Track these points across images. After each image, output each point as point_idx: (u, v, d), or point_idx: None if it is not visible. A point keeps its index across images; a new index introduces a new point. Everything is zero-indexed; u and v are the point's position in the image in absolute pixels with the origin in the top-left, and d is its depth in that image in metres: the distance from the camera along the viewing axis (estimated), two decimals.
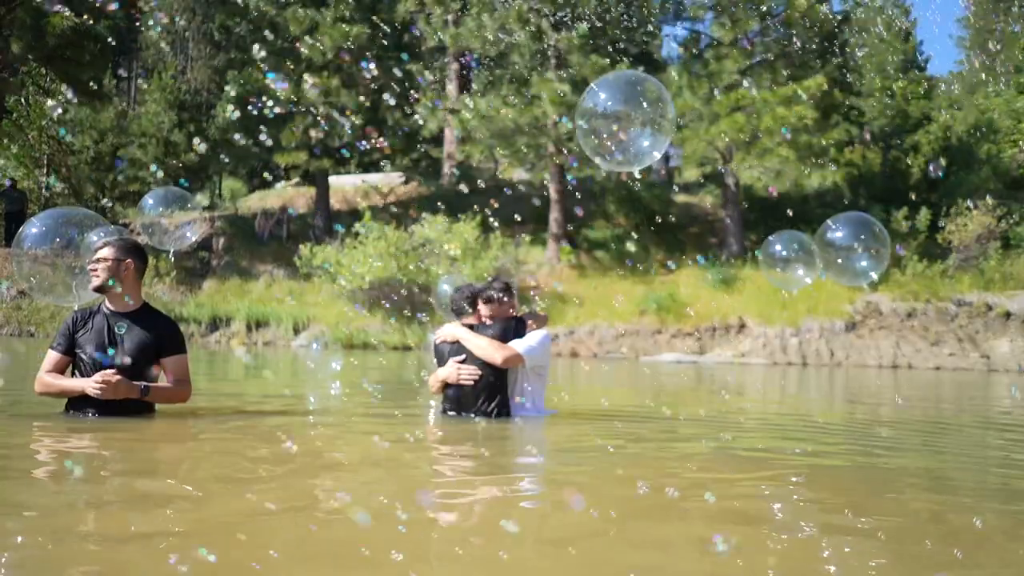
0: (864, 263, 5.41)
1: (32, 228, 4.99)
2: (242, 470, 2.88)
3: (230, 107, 18.13)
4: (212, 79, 38.00)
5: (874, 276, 5.54)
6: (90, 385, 3.77)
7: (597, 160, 4.88)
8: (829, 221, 5.68)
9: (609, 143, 4.75)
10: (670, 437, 4.31)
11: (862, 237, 5.46)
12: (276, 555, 1.82)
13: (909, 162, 23.36)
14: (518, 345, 4.34)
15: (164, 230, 6.13)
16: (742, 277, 18.86)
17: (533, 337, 4.42)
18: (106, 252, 4.04)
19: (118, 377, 3.79)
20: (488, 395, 4.36)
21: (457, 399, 4.43)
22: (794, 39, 19.75)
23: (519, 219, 19.13)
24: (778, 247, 7.33)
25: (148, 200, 6.00)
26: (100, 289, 4.02)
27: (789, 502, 2.65)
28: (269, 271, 21.44)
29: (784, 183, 20.04)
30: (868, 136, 25.58)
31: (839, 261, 5.48)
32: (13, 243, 5.04)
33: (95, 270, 4.03)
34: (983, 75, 43.98)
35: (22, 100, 26.15)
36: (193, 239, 7.63)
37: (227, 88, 17.31)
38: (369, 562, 1.82)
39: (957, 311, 17.61)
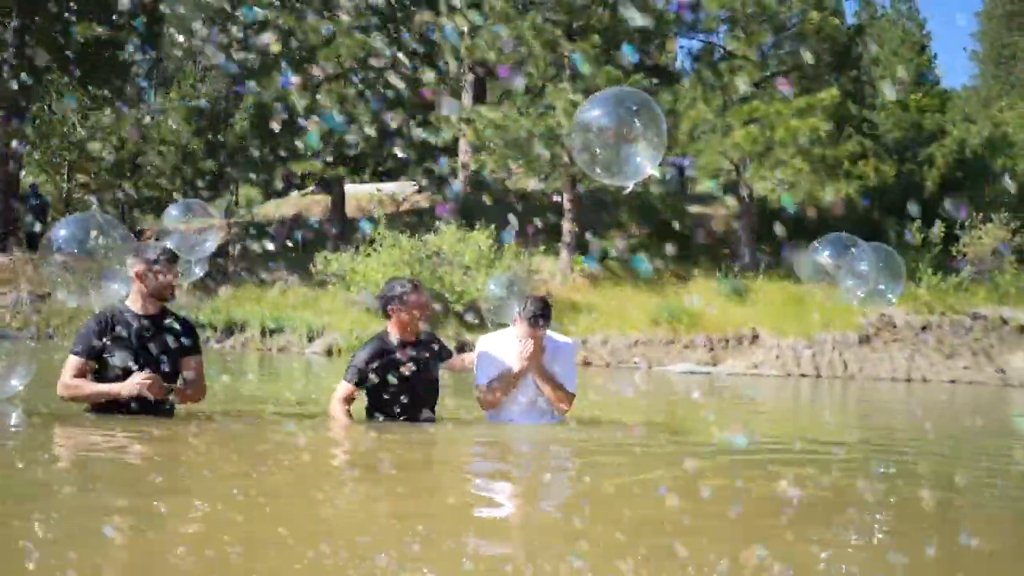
0: (882, 287, 5.41)
1: (61, 230, 5.12)
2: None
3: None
4: (230, 88, 38.40)
5: (892, 299, 5.53)
6: (135, 384, 3.85)
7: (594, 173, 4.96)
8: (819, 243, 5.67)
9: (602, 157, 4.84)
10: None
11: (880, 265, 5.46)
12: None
13: (924, 175, 23.33)
14: (570, 386, 4.53)
15: (183, 239, 6.21)
16: (755, 288, 18.86)
17: (572, 371, 4.59)
18: (179, 266, 4.20)
19: (157, 377, 3.91)
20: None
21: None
22: (807, 52, 19.80)
23: (538, 225, 19.13)
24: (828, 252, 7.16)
25: (172, 211, 6.11)
26: (171, 298, 4.16)
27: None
28: (284, 278, 21.62)
29: (799, 195, 20.03)
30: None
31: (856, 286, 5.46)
32: (41, 247, 5.17)
33: (172, 284, 4.14)
34: (996, 89, 43.76)
35: (45, 107, 26.55)
36: (212, 247, 7.71)
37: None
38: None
39: (972, 324, 17.54)
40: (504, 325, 4.83)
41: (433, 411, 4.52)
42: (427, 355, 4.48)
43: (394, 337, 4.45)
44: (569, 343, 4.62)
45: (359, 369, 4.31)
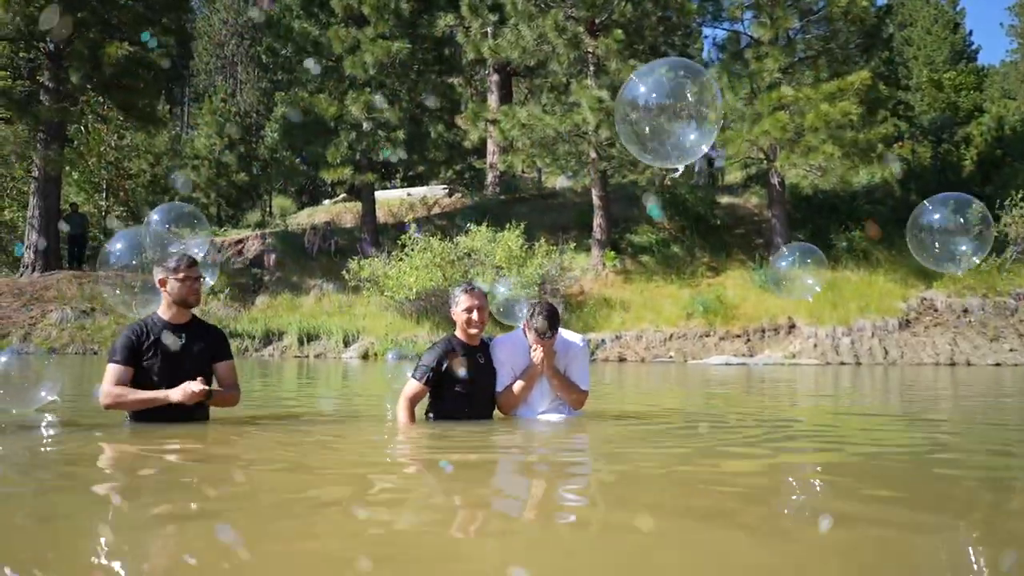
0: (964, 247, 5.26)
1: (117, 244, 5.28)
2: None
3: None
4: (261, 101, 39.03)
5: (975, 260, 5.36)
6: (186, 391, 3.97)
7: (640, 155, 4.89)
8: (925, 202, 5.52)
9: (651, 137, 4.75)
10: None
11: (962, 220, 5.30)
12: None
13: (961, 155, 22.82)
14: (583, 385, 4.60)
15: (168, 246, 6.25)
16: (790, 277, 18.60)
17: (584, 369, 4.63)
18: (198, 270, 4.30)
19: (207, 389, 4.03)
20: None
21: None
22: (837, 35, 19.48)
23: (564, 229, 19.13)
24: (782, 263, 7.40)
25: (153, 216, 6.14)
26: (195, 303, 4.28)
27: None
28: (319, 285, 21.90)
29: (830, 181, 19.73)
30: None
31: (936, 246, 5.31)
32: (99, 262, 5.35)
33: (197, 289, 4.27)
34: None
35: (82, 128, 27.24)
36: (201, 256, 7.81)
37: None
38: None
39: (1017, 305, 17.13)
40: (511, 327, 4.89)
41: (491, 418, 4.60)
42: (490, 361, 4.57)
43: (462, 340, 4.53)
44: (579, 342, 4.63)
45: (429, 368, 4.40)
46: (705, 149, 4.94)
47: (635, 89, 4.76)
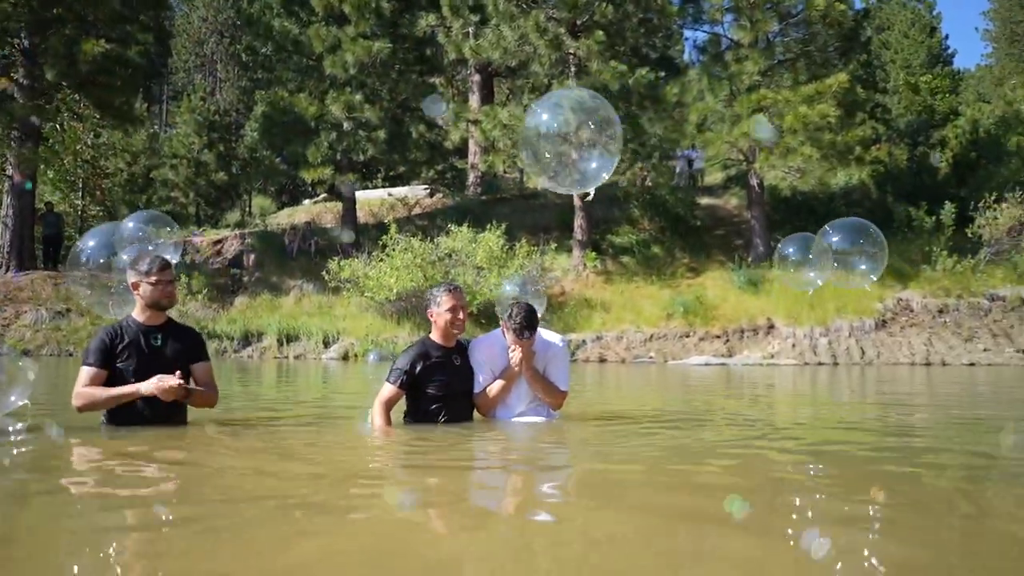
0: (863, 266, 5.48)
1: (89, 241, 5.21)
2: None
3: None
4: (240, 99, 38.78)
5: (873, 278, 5.61)
6: (155, 384, 3.92)
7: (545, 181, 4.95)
8: (827, 226, 5.80)
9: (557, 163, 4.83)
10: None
11: (860, 242, 5.54)
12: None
13: (937, 156, 23.12)
14: (563, 385, 4.58)
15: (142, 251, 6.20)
16: (769, 278, 18.76)
17: (564, 369, 4.62)
18: (172, 272, 4.25)
19: (179, 384, 3.97)
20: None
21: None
22: (815, 38, 19.66)
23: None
24: (791, 249, 7.44)
25: (128, 223, 6.08)
26: (168, 306, 4.23)
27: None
28: (299, 285, 21.77)
29: (808, 182, 19.92)
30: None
31: (836, 265, 5.56)
32: (68, 261, 5.28)
33: (170, 291, 4.21)
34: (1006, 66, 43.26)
35: (57, 126, 26.90)
36: (175, 260, 7.76)
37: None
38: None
39: (991, 306, 17.36)
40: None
41: (471, 419, 4.56)
42: (467, 362, 4.53)
43: (437, 342, 4.49)
44: (559, 342, 4.63)
45: (403, 371, 4.35)
46: (606, 177, 5.06)
47: (537, 118, 4.90)
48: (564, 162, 4.64)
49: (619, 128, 4.75)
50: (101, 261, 5.18)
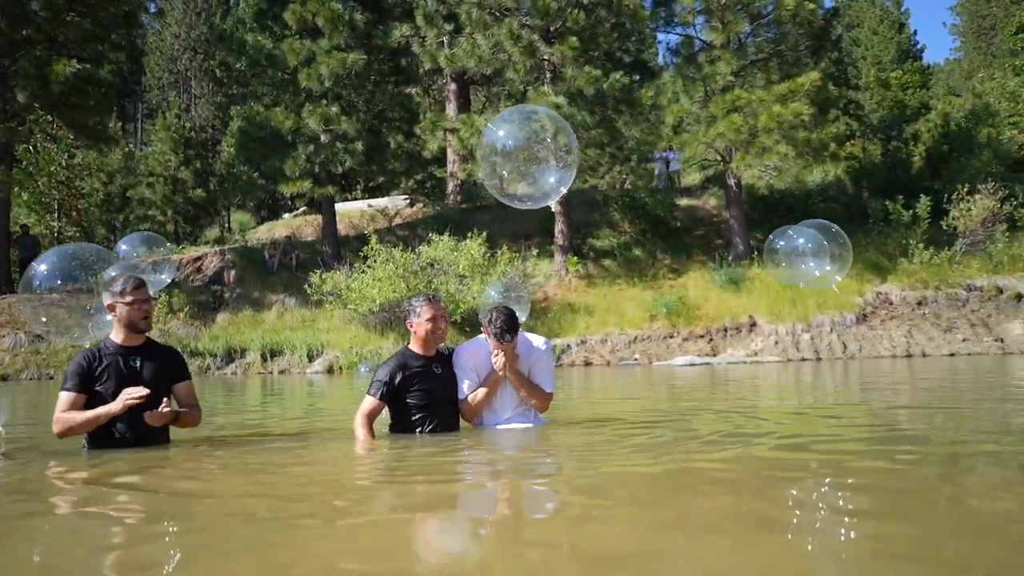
0: (828, 268, 5.56)
1: (41, 266, 5.12)
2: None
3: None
4: (216, 115, 38.57)
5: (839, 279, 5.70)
6: (123, 400, 3.88)
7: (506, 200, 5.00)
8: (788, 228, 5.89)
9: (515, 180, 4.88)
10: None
11: (824, 243, 5.61)
12: None
13: (911, 151, 23.40)
14: (548, 387, 4.57)
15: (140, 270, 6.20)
16: (750, 276, 18.90)
17: (548, 371, 4.61)
18: (147, 291, 4.19)
19: (170, 409, 3.95)
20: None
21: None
22: (786, 37, 19.86)
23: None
24: (781, 243, 7.49)
25: (122, 246, 6.07)
26: (145, 327, 4.18)
27: None
28: (281, 300, 21.65)
29: (785, 180, 20.10)
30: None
31: (802, 266, 5.63)
32: (22, 286, 5.16)
33: (146, 311, 4.16)
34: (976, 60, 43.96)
35: (30, 148, 26.63)
36: (168, 280, 7.71)
37: None
38: None
39: (968, 296, 17.59)
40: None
41: (457, 427, 4.55)
42: (449, 371, 4.52)
43: (416, 352, 4.49)
44: (542, 345, 4.64)
45: (383, 383, 4.35)
46: (564, 191, 5.12)
47: (493, 135, 4.96)
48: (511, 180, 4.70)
49: (575, 141, 4.84)
50: (56, 284, 5.07)
